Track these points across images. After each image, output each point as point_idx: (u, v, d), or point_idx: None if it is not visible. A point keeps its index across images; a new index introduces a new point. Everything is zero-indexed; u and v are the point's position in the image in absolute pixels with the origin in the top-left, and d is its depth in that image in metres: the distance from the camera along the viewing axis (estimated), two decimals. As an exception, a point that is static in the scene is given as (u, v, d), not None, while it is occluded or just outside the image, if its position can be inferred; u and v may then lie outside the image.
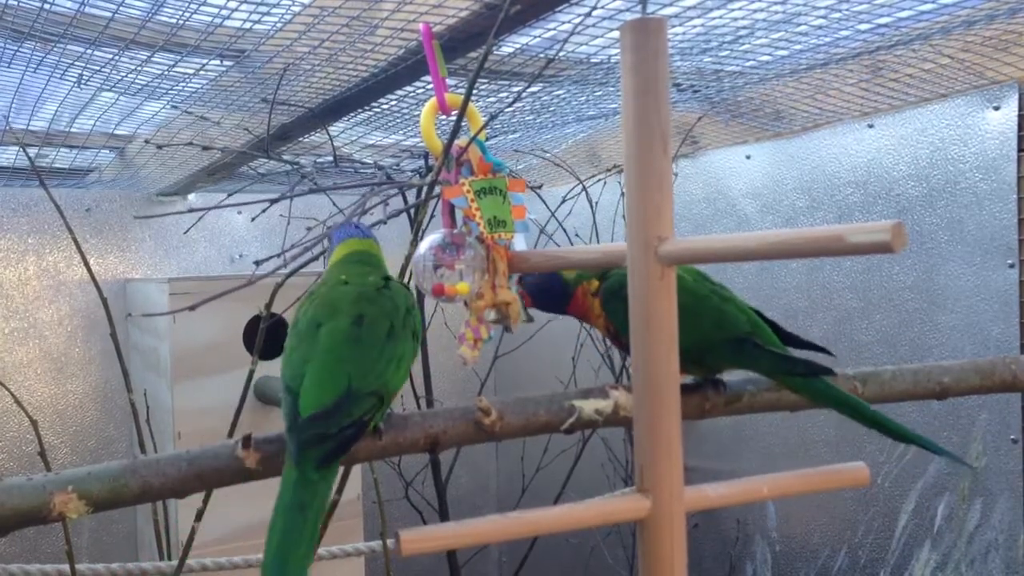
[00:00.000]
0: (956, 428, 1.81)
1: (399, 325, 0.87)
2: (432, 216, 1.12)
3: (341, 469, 1.10)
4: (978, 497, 1.78)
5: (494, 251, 0.94)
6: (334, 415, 0.80)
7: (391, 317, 0.87)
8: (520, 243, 0.98)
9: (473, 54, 1.43)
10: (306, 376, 0.83)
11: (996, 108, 1.73)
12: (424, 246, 0.95)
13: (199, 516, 1.20)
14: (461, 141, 0.96)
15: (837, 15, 1.40)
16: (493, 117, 1.04)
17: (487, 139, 1.00)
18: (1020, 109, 1.69)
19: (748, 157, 2.26)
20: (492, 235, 0.94)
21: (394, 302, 0.89)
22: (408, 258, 1.09)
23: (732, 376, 1.03)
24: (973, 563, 1.78)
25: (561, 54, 1.53)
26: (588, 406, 0.94)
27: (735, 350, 0.97)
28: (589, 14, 1.23)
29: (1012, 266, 1.71)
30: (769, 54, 1.62)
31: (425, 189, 1.03)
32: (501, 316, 0.96)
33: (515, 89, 1.74)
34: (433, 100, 0.97)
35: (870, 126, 1.97)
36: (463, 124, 0.98)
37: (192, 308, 0.99)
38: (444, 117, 1.00)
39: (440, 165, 0.96)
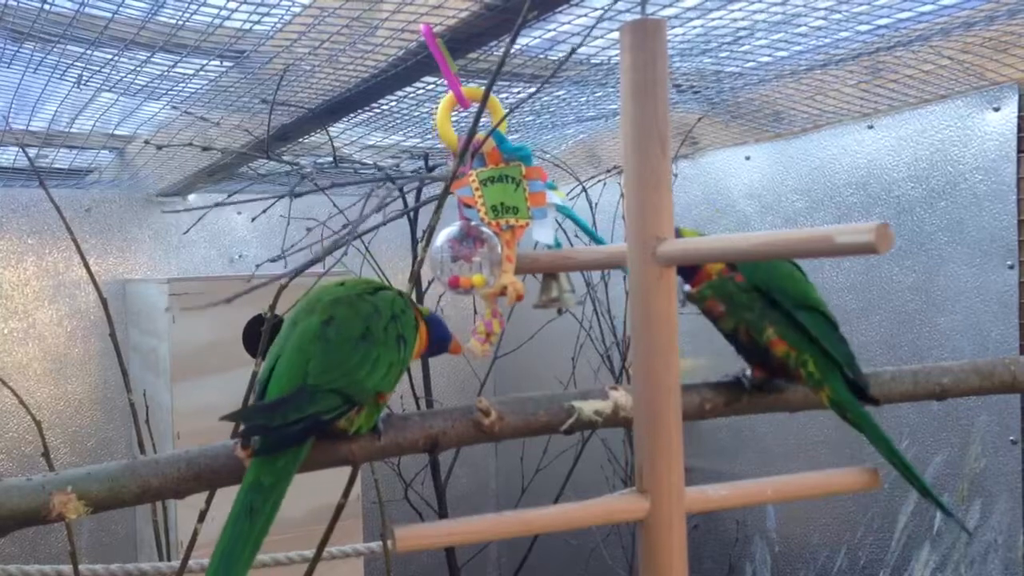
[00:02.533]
0: (956, 429, 1.81)
1: (377, 328, 0.87)
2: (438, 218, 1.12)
3: (347, 471, 1.10)
4: (977, 498, 1.77)
5: (500, 236, 0.95)
6: (279, 409, 0.80)
7: (367, 320, 0.88)
8: (546, 230, 0.97)
9: (473, 55, 1.43)
10: (274, 370, 0.85)
11: (996, 109, 1.73)
12: (441, 238, 0.95)
13: (201, 517, 1.19)
14: (479, 135, 0.96)
15: (837, 16, 1.40)
16: (509, 112, 1.04)
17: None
18: (1020, 110, 1.69)
19: (748, 158, 2.26)
20: (496, 220, 0.94)
21: (375, 307, 0.89)
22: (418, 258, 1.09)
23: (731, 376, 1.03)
24: (972, 564, 1.78)
25: (560, 54, 1.53)
26: (587, 407, 0.94)
27: (812, 317, 0.94)
28: (600, 19, 1.22)
29: (1011, 267, 1.71)
30: (769, 55, 1.62)
31: (444, 184, 1.03)
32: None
33: (515, 89, 1.75)
34: (450, 95, 0.97)
35: (870, 127, 1.97)
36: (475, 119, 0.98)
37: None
38: (462, 111, 1.01)
39: (459, 161, 0.96)
